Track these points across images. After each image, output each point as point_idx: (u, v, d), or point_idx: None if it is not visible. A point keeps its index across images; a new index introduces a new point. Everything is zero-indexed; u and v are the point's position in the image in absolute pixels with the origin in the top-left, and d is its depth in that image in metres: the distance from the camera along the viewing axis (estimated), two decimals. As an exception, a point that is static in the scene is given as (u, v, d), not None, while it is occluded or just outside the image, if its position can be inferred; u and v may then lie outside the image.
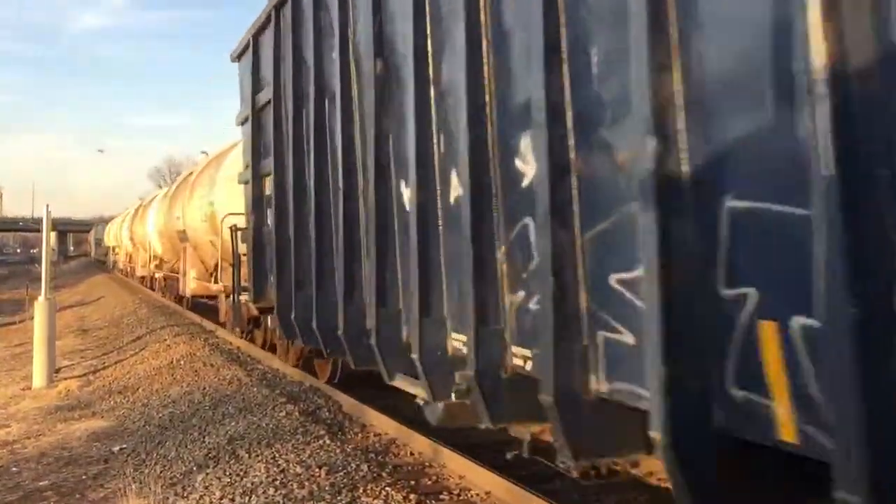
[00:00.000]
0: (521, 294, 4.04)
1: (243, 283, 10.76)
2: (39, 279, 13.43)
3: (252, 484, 5.95)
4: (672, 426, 2.81)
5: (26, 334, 16.23)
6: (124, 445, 8.06)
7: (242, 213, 10.91)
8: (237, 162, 12.35)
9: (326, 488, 5.65)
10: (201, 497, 5.83)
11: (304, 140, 7.64)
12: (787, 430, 2.52)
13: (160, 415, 9.11)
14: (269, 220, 8.92)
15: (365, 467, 6.06)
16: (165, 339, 14.56)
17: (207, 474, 6.37)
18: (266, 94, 8.85)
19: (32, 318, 13.27)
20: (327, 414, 8.00)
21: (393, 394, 8.61)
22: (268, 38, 8.74)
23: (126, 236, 35.85)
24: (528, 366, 4.00)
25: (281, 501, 5.53)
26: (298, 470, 6.13)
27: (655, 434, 2.89)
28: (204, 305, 19.75)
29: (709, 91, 2.79)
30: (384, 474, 5.91)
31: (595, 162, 3.46)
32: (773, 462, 2.85)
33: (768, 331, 2.56)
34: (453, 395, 4.69)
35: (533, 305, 3.89)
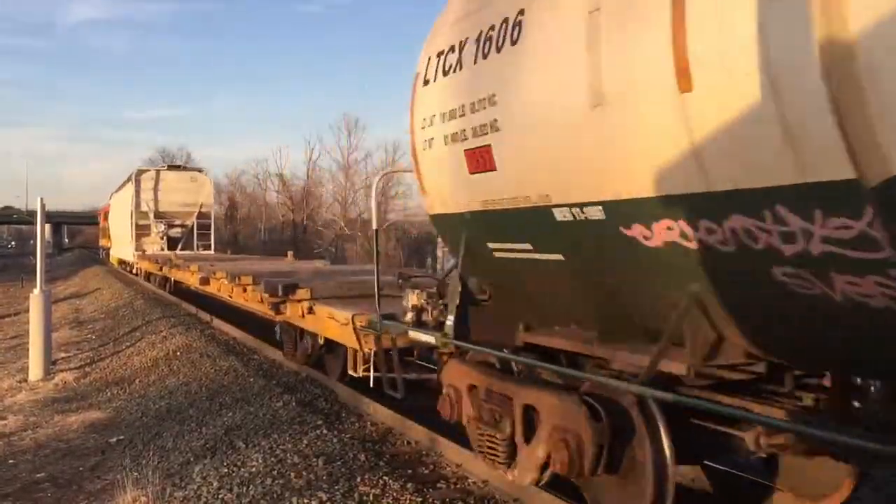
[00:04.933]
0: None
1: None
2: (34, 271, 13.39)
3: (249, 474, 5.96)
4: None
5: (22, 327, 16.21)
6: (121, 437, 8.07)
7: None
8: None
9: (324, 477, 5.67)
10: (199, 487, 5.84)
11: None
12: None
13: (157, 406, 9.11)
14: None
15: (362, 456, 6.07)
16: (162, 331, 14.55)
17: (205, 465, 6.38)
18: None
19: (28, 310, 13.24)
20: (324, 404, 8.01)
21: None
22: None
23: None
24: None
25: (279, 491, 5.53)
26: (296, 459, 6.14)
27: None
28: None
29: None
30: (381, 463, 5.93)
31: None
32: None
33: None
34: None
35: None
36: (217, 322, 15.06)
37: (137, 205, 26.74)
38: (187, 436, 7.47)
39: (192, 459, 6.66)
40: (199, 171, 28.41)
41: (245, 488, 5.68)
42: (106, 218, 45.41)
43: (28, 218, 71.28)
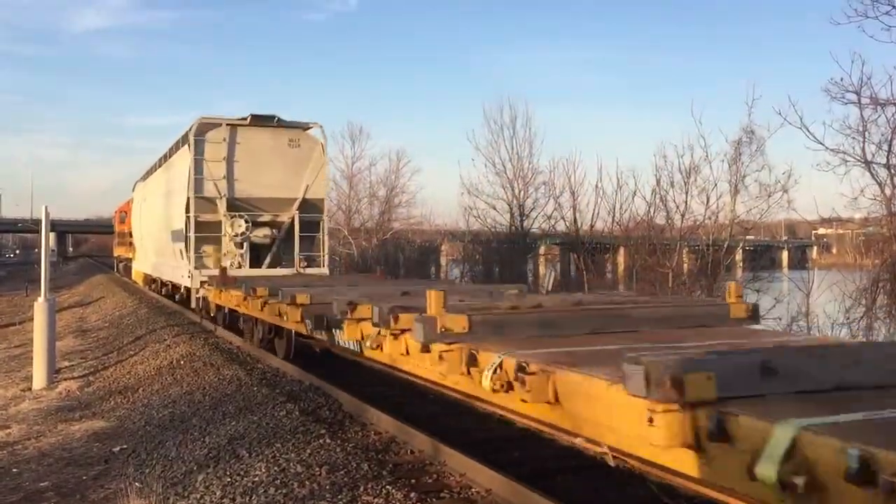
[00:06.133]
0: None
1: None
2: (38, 280, 13.41)
3: (253, 483, 5.95)
4: None
5: (26, 335, 16.23)
6: (125, 446, 8.07)
7: None
8: None
9: (327, 487, 5.65)
10: (202, 497, 5.83)
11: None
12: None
13: (160, 415, 9.11)
14: None
15: (365, 466, 6.06)
16: (165, 339, 14.56)
17: (208, 474, 6.37)
18: None
19: (32, 318, 13.26)
20: (327, 413, 8.00)
21: (394, 391, 8.59)
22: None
23: None
24: None
25: (282, 500, 5.53)
26: (299, 469, 6.13)
27: None
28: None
29: None
30: (385, 473, 5.91)
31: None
32: None
33: None
34: None
35: None
36: (221, 331, 15.06)
37: (198, 185, 15.40)
38: (190, 445, 7.46)
39: (195, 468, 6.64)
40: (306, 127, 16.51)
41: (248, 497, 5.67)
42: (123, 221, 33.52)
43: (32, 226, 71.23)
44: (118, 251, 39.03)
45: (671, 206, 20.85)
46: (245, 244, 15.74)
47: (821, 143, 14.33)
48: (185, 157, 16.15)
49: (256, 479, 6.04)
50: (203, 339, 14.22)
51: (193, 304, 15.94)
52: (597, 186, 23.59)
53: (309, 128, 16.62)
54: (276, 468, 6.22)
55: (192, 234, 15.56)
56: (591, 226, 24.38)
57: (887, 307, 13.92)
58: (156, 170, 21.67)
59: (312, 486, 5.70)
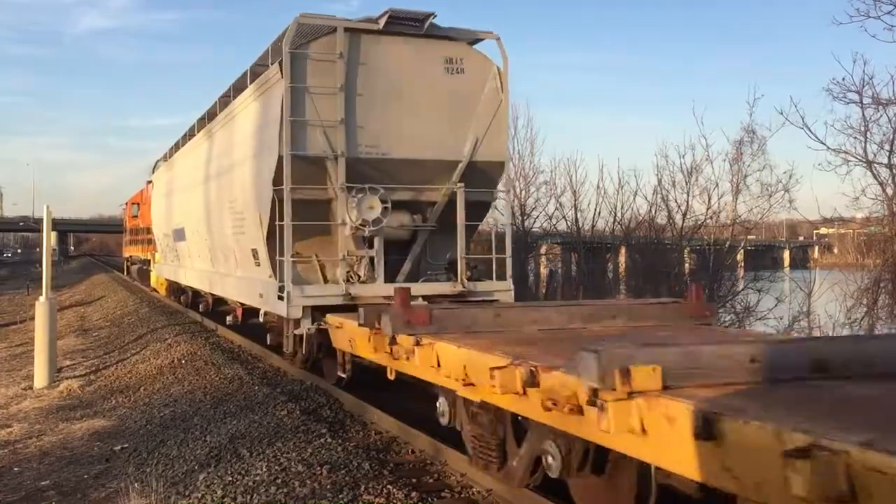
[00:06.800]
0: None
1: None
2: (40, 279, 13.42)
3: (254, 482, 5.95)
4: None
5: (27, 334, 16.25)
6: (126, 444, 8.08)
7: None
8: None
9: (328, 486, 5.65)
10: (203, 496, 5.83)
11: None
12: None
13: (162, 414, 9.12)
14: None
15: (366, 465, 6.06)
16: (167, 339, 14.57)
17: (209, 473, 6.38)
18: None
19: (33, 317, 13.27)
20: (328, 412, 8.00)
21: (395, 393, 8.61)
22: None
23: None
24: None
25: (283, 500, 5.53)
26: (300, 468, 6.13)
27: None
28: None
29: None
30: (385, 472, 5.92)
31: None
32: None
33: None
34: None
35: None
36: (222, 330, 15.07)
37: (296, 135, 8.57)
38: (191, 444, 7.46)
39: (196, 468, 6.65)
40: (474, 38, 9.65)
41: (249, 497, 5.67)
42: (136, 214, 26.43)
43: (34, 225, 71.30)
44: (130, 251, 30.66)
45: (672, 205, 20.77)
46: (378, 240, 9.05)
47: (822, 143, 14.30)
48: (272, 89, 9.28)
49: (258, 478, 6.04)
50: (204, 338, 14.23)
51: (290, 348, 9.30)
52: (598, 186, 23.47)
53: (479, 39, 9.75)
54: (277, 467, 6.22)
55: (288, 222, 8.72)
56: (593, 225, 24.32)
57: (889, 307, 13.91)
58: (198, 131, 14.60)
59: (313, 486, 5.70)
